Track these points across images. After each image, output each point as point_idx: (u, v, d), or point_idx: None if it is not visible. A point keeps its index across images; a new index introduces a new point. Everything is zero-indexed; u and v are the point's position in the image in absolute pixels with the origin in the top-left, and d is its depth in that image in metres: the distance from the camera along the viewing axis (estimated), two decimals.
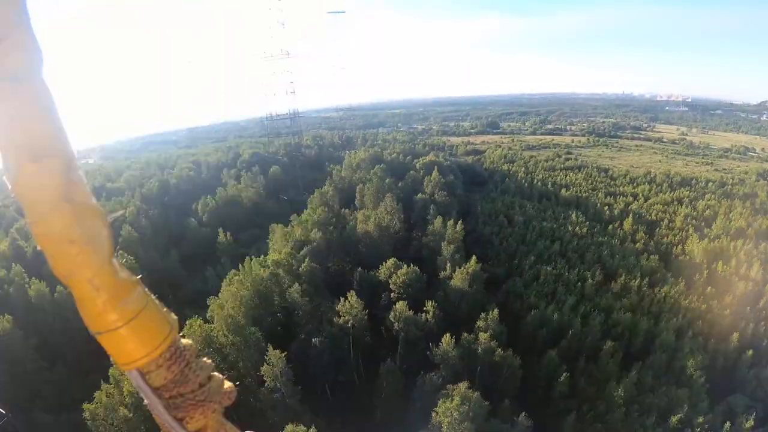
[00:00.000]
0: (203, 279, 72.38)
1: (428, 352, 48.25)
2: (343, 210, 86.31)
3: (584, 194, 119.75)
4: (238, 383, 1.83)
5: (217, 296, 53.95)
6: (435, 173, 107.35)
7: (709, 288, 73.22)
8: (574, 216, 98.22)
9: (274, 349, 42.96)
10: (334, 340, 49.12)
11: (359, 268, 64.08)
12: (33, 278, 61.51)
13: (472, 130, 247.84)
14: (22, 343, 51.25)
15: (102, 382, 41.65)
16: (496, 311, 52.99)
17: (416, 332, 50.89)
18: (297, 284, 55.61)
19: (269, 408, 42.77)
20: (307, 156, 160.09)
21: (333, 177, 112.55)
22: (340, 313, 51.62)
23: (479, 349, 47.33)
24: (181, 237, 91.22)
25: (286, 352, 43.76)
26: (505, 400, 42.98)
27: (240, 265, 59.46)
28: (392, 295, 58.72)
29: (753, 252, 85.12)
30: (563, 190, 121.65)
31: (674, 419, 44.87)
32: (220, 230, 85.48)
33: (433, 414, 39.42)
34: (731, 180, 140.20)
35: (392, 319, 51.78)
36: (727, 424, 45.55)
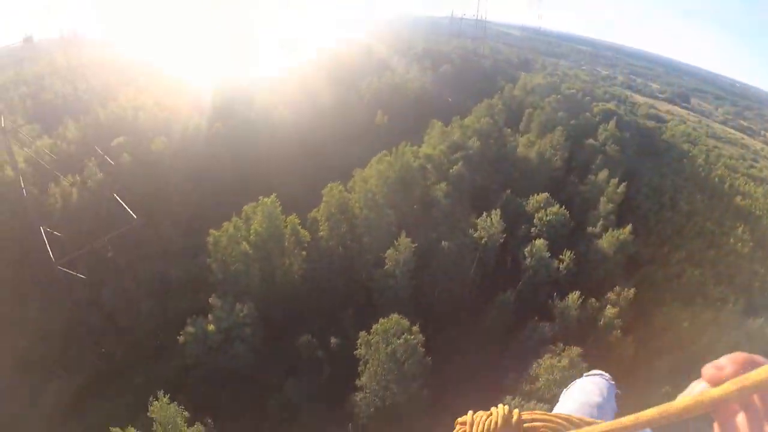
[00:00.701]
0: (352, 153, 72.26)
1: (550, 300, 44.26)
2: (506, 129, 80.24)
3: (758, 212, 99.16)
4: None
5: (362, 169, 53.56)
6: (612, 124, 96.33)
7: None
8: (740, 230, 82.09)
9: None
10: (462, 250, 46.61)
11: (508, 190, 59.59)
12: None
13: (659, 95, 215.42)
14: None
15: (233, 215, 43.37)
16: (632, 290, 46.81)
17: (545, 276, 46.71)
18: (443, 183, 53.12)
19: (382, 289, 42.25)
20: (481, 65, 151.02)
21: (504, 93, 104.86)
22: (478, 227, 48.61)
23: (602, 320, 42.15)
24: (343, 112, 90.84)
25: (415, 244, 42.21)
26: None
27: (394, 148, 57.90)
28: (533, 230, 54.22)
29: None
30: (738, 198, 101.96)
31: None
32: (379, 112, 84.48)
33: (534, 365, 36.39)
34: None
35: (526, 254, 47.77)
36: None
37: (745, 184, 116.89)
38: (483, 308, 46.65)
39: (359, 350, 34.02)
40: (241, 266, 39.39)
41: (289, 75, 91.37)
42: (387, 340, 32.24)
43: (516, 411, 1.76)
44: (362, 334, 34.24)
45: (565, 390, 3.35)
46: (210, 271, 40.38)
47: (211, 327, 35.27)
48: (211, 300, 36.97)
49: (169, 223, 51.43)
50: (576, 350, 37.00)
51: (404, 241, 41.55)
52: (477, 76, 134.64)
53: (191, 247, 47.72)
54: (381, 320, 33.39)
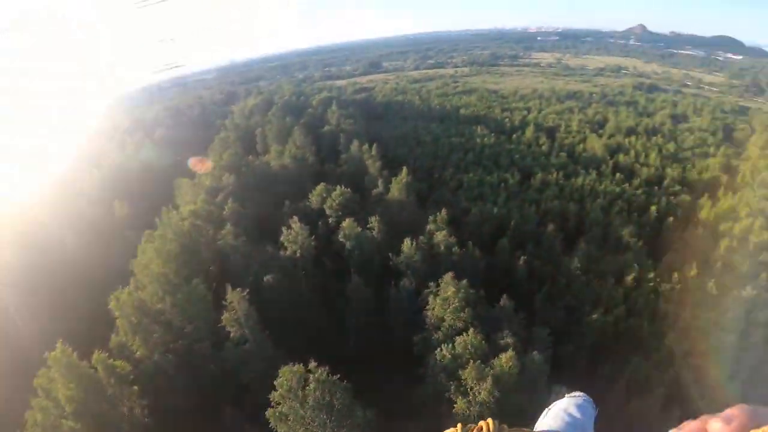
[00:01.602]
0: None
1: (390, 262, 45.56)
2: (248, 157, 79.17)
3: (482, 112, 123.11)
4: None
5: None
6: (334, 106, 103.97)
7: (617, 174, 78.58)
8: (478, 130, 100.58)
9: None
10: (285, 273, 44.11)
11: (286, 201, 58.67)
12: None
13: (355, 72, 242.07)
14: None
15: None
16: (444, 211, 51.47)
17: (369, 247, 47.76)
18: (227, 227, 49.23)
19: (241, 364, 36.76)
20: (189, 116, 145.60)
21: (227, 126, 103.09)
22: (285, 245, 46.64)
23: (442, 247, 45.46)
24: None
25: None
26: (480, 290, 41.38)
27: (156, 219, 51.07)
28: (330, 220, 54.76)
29: (647, 144, 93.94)
30: (462, 110, 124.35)
31: (629, 279, 47.51)
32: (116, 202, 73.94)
33: (428, 313, 37.13)
34: (612, 92, 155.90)
35: (342, 239, 47.93)
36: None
37: (460, 99, 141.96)
38: (340, 312, 45.29)
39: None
40: None
41: None
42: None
43: (504, 426, 1.96)
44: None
45: (546, 410, 3.35)
46: None
47: None
48: None
49: None
50: (448, 275, 38.75)
51: (234, 294, 36.65)
52: (192, 130, 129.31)
53: None
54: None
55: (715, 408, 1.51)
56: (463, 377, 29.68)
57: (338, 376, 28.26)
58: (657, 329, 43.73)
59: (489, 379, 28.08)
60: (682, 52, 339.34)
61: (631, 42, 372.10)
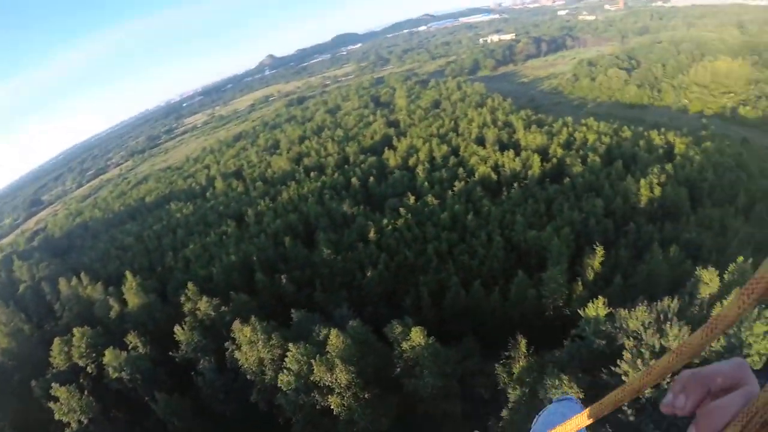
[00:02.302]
0: None
1: None
2: None
3: (168, 190, 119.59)
4: None
5: None
6: (19, 261, 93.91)
7: (311, 173, 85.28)
8: (173, 206, 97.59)
9: None
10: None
11: None
12: None
13: (17, 221, 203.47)
14: None
15: None
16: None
17: None
18: None
19: None
20: None
21: None
22: None
23: None
24: None
25: None
26: None
27: None
28: None
29: (322, 141, 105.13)
30: (147, 197, 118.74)
31: None
32: None
33: None
34: (270, 118, 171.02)
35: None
36: None
37: (139, 191, 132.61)
38: None
39: None
40: None
41: None
42: None
43: None
44: None
45: (537, 416, 3.37)
46: None
47: None
48: None
49: None
50: None
51: None
52: None
53: None
54: None
55: None
56: None
57: None
58: None
59: None
60: (312, 61, 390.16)
61: (267, 72, 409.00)
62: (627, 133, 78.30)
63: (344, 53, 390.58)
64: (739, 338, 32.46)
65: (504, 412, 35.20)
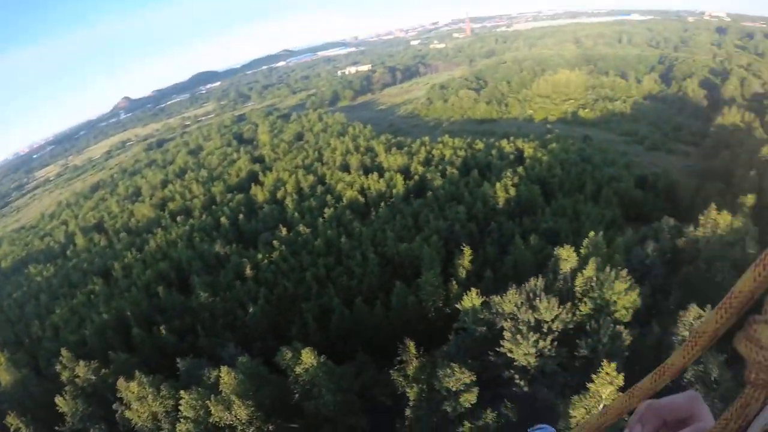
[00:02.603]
0: None
1: None
2: None
3: (24, 254, 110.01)
4: None
5: None
6: None
7: (178, 217, 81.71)
8: (32, 269, 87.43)
9: None
10: None
11: None
12: None
13: None
14: None
15: None
16: None
17: None
18: None
19: None
20: None
21: None
22: None
23: None
24: None
25: None
26: None
27: None
28: None
29: (186, 184, 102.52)
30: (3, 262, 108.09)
31: None
32: None
33: None
34: (129, 164, 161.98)
35: None
36: None
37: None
38: None
39: None
40: None
41: None
42: None
43: None
44: None
45: None
46: None
47: None
48: None
49: None
50: None
51: None
52: None
53: None
54: None
55: None
56: None
57: None
58: None
59: None
60: (171, 102, 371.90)
61: (123, 116, 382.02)
62: (480, 145, 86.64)
63: (203, 92, 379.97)
64: (604, 298, 36.95)
65: (407, 411, 36.95)
